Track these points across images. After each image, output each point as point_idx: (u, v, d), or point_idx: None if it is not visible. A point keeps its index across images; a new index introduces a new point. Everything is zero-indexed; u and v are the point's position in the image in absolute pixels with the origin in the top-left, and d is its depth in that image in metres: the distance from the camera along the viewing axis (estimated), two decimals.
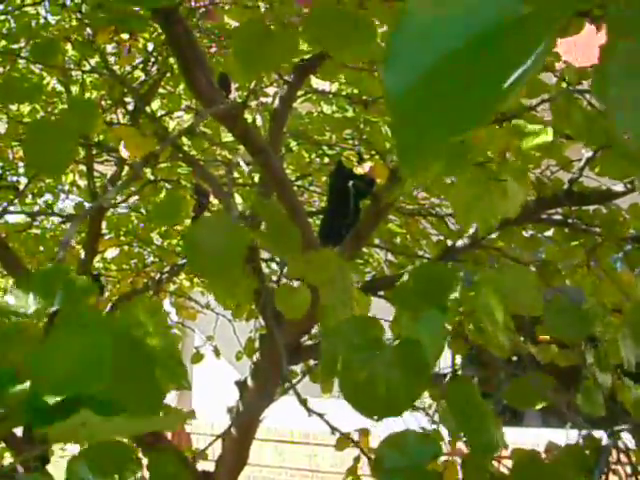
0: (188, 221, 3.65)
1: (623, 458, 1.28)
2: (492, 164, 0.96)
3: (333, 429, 1.11)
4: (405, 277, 0.87)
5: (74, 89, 2.82)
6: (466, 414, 0.83)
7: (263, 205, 0.96)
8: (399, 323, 0.83)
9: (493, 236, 2.01)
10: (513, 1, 0.36)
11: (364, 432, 2.59)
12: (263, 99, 2.40)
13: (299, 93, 2.09)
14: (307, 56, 1.60)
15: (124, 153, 1.67)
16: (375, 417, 0.78)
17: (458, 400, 0.84)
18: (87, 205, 3.10)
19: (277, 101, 1.73)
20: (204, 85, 1.31)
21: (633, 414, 1.56)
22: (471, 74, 0.36)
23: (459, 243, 1.79)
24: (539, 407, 1.22)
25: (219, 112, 1.26)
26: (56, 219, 3.99)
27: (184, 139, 2.59)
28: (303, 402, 1.11)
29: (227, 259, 0.82)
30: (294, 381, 1.97)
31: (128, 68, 2.45)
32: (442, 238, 2.59)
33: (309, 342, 1.98)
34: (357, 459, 2.56)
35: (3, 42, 2.53)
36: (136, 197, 3.25)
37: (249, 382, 1.81)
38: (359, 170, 1.94)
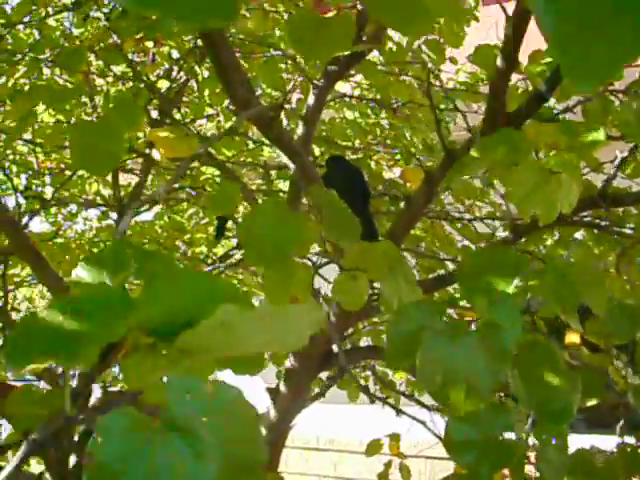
0: (211, 229, 3.66)
1: None
2: (546, 158, 0.95)
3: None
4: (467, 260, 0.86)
5: (98, 99, 2.84)
6: (540, 379, 0.79)
7: (322, 193, 0.95)
8: (475, 307, 0.81)
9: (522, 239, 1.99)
10: None
11: (395, 438, 2.58)
12: (287, 105, 2.40)
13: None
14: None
15: (156, 155, 1.67)
16: (458, 408, 0.75)
17: (533, 359, 0.81)
18: (112, 215, 3.10)
19: (308, 106, 1.73)
20: (240, 88, 1.31)
21: None
22: None
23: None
24: (588, 406, 1.20)
25: (256, 115, 1.25)
26: (79, 228, 4.01)
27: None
28: (365, 390, 1.10)
29: (284, 248, 0.82)
30: (323, 388, 1.96)
31: (153, 76, 2.46)
32: (467, 243, 2.58)
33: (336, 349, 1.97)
34: (388, 464, 2.55)
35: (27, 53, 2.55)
36: (159, 205, 3.26)
37: (281, 388, 1.81)
38: (389, 174, 1.92)
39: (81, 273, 0.68)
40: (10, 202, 3.03)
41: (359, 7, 1.39)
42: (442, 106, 2.25)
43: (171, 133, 1.24)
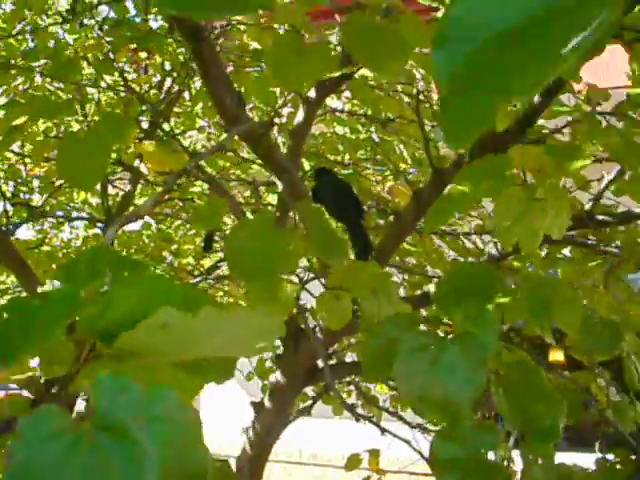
0: (198, 240, 3.65)
1: None
2: (531, 184, 0.96)
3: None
4: (444, 277, 0.86)
5: (89, 107, 2.84)
6: (525, 398, 0.79)
7: (309, 210, 0.95)
8: (454, 322, 0.81)
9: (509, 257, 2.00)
10: None
11: (374, 453, 2.58)
12: (277, 119, 2.40)
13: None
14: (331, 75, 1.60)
15: (144, 169, 1.67)
16: (439, 419, 0.75)
17: (518, 380, 0.81)
18: (100, 224, 3.09)
19: (297, 120, 1.73)
20: (229, 104, 1.32)
21: None
22: (523, 49, 0.37)
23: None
24: (569, 424, 1.20)
25: (245, 131, 1.26)
26: (66, 237, 4.00)
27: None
28: (351, 409, 1.10)
29: (269, 263, 0.82)
30: (309, 403, 1.96)
31: (145, 87, 2.46)
32: (457, 257, 2.59)
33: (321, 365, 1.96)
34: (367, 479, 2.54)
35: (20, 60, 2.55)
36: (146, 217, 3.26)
37: (266, 403, 1.80)
38: (378, 189, 1.93)
39: (55, 281, 0.67)
40: None
41: None
42: (432, 123, 2.27)
43: (160, 147, 1.24)
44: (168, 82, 2.55)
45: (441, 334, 0.78)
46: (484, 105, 0.37)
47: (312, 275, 1.61)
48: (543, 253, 2.27)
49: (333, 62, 0.92)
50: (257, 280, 0.87)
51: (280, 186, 1.47)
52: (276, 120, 2.41)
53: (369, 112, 2.55)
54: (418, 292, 2.19)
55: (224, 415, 5.11)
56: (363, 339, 0.81)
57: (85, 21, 2.49)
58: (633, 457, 1.25)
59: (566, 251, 2.15)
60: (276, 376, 1.80)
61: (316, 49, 0.91)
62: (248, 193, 3.01)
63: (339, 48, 1.29)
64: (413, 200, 1.40)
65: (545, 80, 0.36)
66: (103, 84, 2.49)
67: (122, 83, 2.19)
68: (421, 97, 1.44)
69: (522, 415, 0.80)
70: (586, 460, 1.26)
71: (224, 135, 2.90)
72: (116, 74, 2.32)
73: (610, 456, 1.30)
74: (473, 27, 0.38)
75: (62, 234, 4.00)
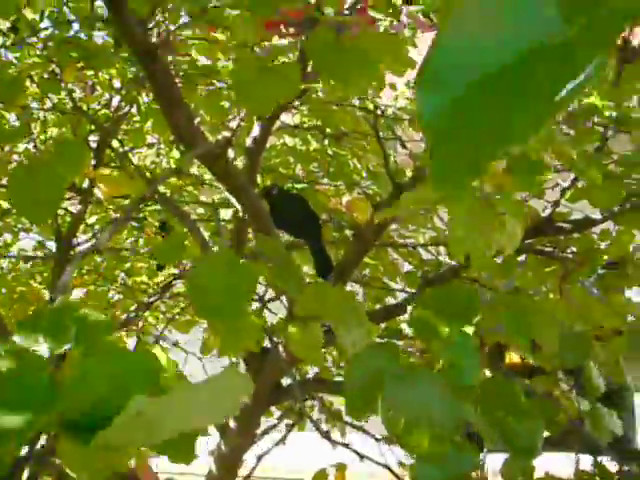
0: (151, 258, 3.60)
1: None
2: (489, 197, 0.96)
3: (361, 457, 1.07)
4: (419, 299, 0.86)
5: (34, 127, 2.77)
6: (505, 413, 0.79)
7: (266, 241, 0.93)
8: (432, 348, 0.80)
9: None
10: (557, 23, 0.36)
11: (340, 467, 2.56)
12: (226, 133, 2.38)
13: None
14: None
15: (98, 193, 1.63)
16: (422, 450, 0.75)
17: (494, 399, 0.80)
18: (49, 244, 3.03)
19: (252, 136, 1.72)
20: (184, 125, 1.29)
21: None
22: (514, 92, 0.36)
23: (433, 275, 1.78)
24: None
25: (203, 152, 1.24)
26: (14, 259, 3.89)
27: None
28: (326, 435, 1.08)
29: (237, 300, 0.79)
30: (275, 422, 1.94)
31: (93, 105, 2.42)
32: (413, 269, 2.59)
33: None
34: None
35: None
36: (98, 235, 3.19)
37: (231, 424, 1.77)
38: (334, 204, 1.92)
39: (17, 338, 0.65)
40: None
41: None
42: (383, 134, 2.27)
43: (115, 172, 1.21)
44: (115, 100, 2.51)
45: (422, 363, 0.78)
46: (474, 154, 0.36)
47: (272, 294, 1.60)
48: (499, 261, 2.29)
49: (298, 82, 0.90)
50: (225, 319, 0.85)
51: (238, 206, 1.45)
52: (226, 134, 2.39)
53: (319, 124, 2.55)
54: (378, 306, 2.19)
55: None
56: (345, 373, 0.80)
57: (27, 40, 2.44)
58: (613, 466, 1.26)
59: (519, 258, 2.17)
60: None
61: (282, 69, 0.89)
62: (201, 210, 2.98)
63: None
64: (372, 215, 1.39)
65: (541, 126, 0.35)
66: (49, 103, 2.43)
67: (70, 103, 2.14)
68: (378, 112, 1.43)
69: (500, 434, 0.79)
70: (565, 462, 1.27)
71: (175, 152, 2.87)
72: (63, 93, 2.27)
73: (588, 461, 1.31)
74: (457, 70, 0.37)
75: (10, 252, 3.90)
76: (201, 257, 1.00)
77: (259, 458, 1.30)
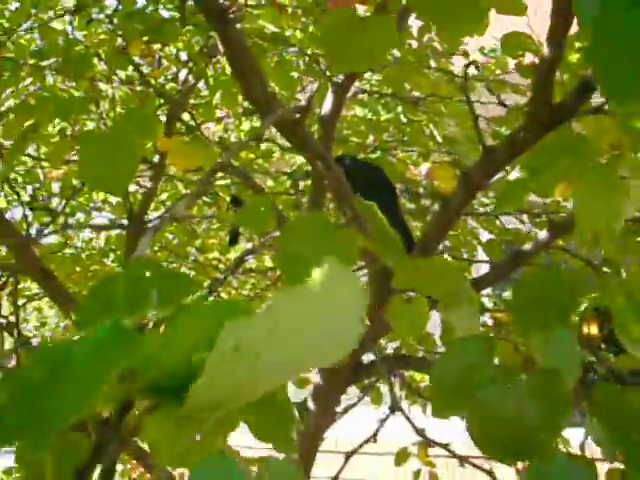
0: (222, 233, 3.57)
1: None
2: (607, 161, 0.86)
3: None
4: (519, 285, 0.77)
5: (103, 105, 2.75)
6: (622, 425, 0.70)
7: (365, 207, 0.85)
8: (529, 344, 0.72)
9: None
10: None
11: (423, 446, 2.50)
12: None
13: None
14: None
15: (171, 168, 1.58)
16: (512, 460, 0.67)
17: (610, 409, 0.71)
18: (121, 221, 3.02)
19: (326, 105, 1.64)
20: (259, 91, 1.23)
21: None
22: None
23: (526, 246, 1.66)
24: None
25: (279, 118, 1.17)
26: (87, 236, 3.93)
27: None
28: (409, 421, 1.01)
29: None
30: (354, 401, 1.88)
31: (161, 80, 2.37)
32: (493, 237, 2.48)
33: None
34: (417, 473, 2.47)
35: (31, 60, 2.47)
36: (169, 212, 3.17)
37: (310, 405, 1.72)
38: (411, 172, 1.83)
39: (86, 308, 0.57)
40: (17, 214, 2.95)
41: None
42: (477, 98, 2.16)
43: (188, 143, 1.15)
44: (183, 73, 2.46)
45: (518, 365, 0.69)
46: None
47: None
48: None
49: (395, 35, 0.81)
50: None
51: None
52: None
53: (390, 91, 2.45)
54: None
55: None
56: (436, 362, 0.71)
57: (94, 16, 2.40)
58: None
59: None
60: (317, 378, 1.72)
61: (378, 22, 0.80)
62: (270, 183, 2.92)
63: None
64: (461, 184, 1.30)
65: None
66: (117, 79, 2.40)
67: (138, 77, 2.10)
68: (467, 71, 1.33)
69: (621, 445, 0.70)
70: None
71: (244, 124, 2.81)
72: (130, 68, 2.23)
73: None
74: None
75: (83, 233, 3.92)
76: (291, 222, 0.93)
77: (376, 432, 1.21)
